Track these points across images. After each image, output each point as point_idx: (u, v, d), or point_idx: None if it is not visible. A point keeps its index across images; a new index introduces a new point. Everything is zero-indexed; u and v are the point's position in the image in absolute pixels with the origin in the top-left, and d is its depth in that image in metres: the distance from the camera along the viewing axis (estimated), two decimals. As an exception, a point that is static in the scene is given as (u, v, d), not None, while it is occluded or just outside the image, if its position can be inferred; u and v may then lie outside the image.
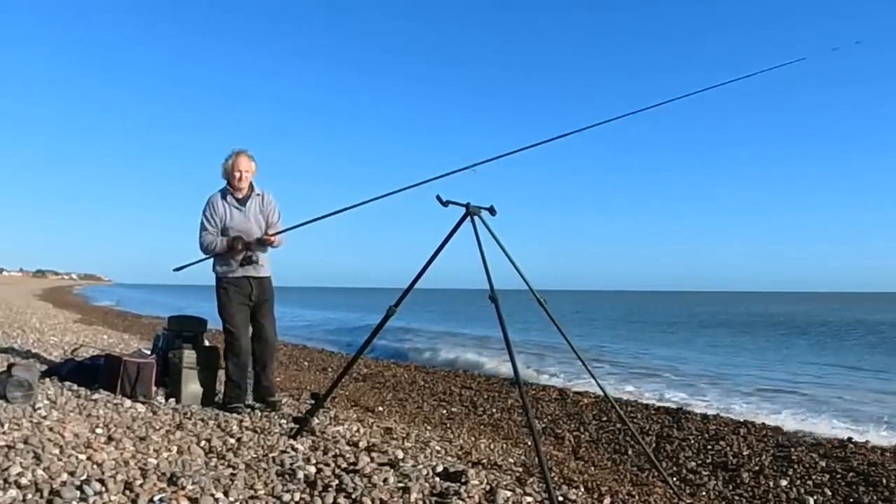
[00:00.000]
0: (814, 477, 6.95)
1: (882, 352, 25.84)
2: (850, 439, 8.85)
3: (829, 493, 6.47)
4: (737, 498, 6.28)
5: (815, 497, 6.33)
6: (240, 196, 6.67)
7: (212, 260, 6.66)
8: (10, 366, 6.20)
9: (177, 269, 6.70)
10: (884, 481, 6.76)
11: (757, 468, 7.19)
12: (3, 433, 4.58)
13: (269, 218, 6.67)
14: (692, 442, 8.36)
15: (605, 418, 9.58)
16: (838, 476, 7.00)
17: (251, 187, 6.73)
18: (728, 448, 8.00)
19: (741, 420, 10.05)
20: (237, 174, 6.60)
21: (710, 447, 8.08)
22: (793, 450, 8.04)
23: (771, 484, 6.69)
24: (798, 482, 6.78)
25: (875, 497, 6.35)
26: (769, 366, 20.50)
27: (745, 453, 7.79)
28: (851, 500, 6.33)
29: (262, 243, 6.52)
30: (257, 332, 6.73)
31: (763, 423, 9.80)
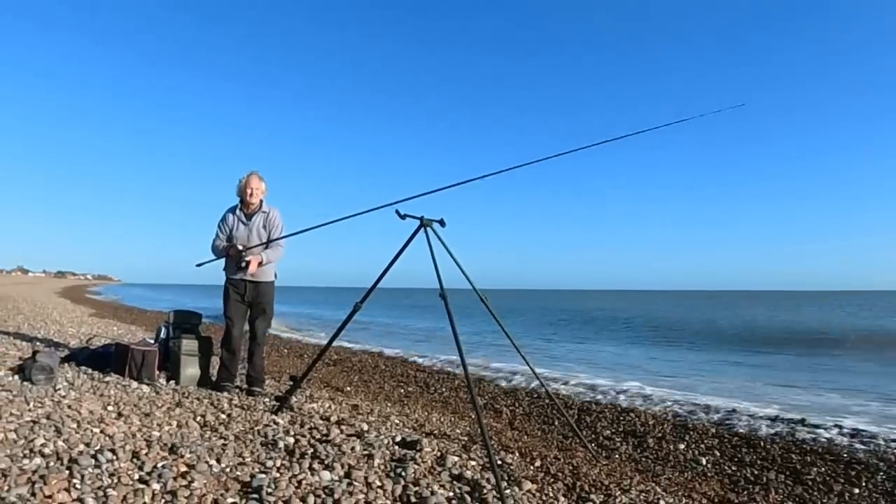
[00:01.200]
0: (706, 441, 7.10)
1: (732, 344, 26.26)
2: (734, 410, 9.04)
3: (718, 454, 6.61)
4: (644, 459, 6.38)
5: (707, 457, 6.47)
6: (248, 211, 6.67)
7: (223, 263, 6.67)
8: (34, 353, 6.14)
9: (198, 265, 6.68)
10: (761, 443, 6.94)
11: (660, 435, 7.31)
12: (29, 410, 4.53)
13: (271, 232, 6.66)
14: (607, 414, 8.47)
15: (535, 395, 9.66)
16: (726, 440, 7.16)
17: (260, 204, 6.72)
18: (637, 419, 8.12)
19: (647, 395, 10.20)
20: (249, 191, 6.61)
21: (622, 418, 8.19)
22: (689, 419, 8.20)
23: (671, 447, 6.82)
24: (693, 445, 6.92)
25: (755, 457, 6.52)
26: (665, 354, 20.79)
27: (650, 423, 7.91)
28: (736, 458, 6.48)
29: (245, 265, 6.45)
30: (250, 329, 6.74)
31: (664, 398, 9.97)
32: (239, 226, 6.63)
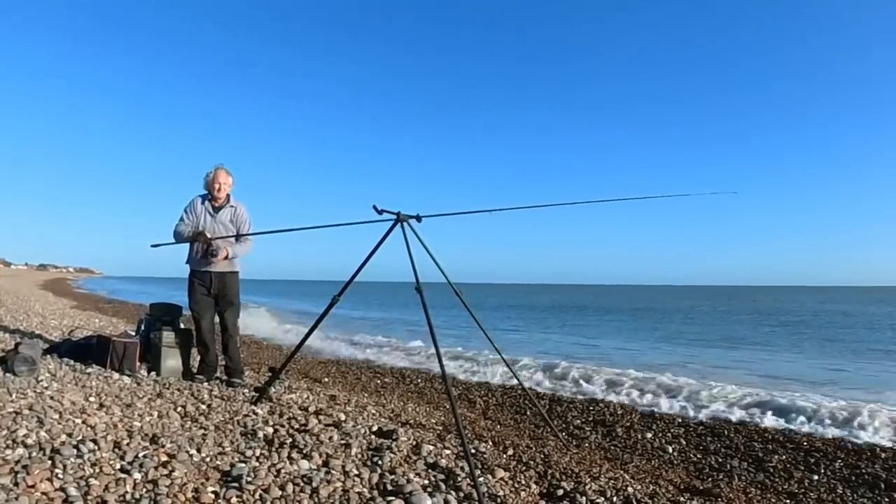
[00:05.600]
0: (672, 430, 7.20)
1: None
2: (700, 404, 9.13)
3: (684, 443, 6.71)
4: (612, 448, 6.45)
5: (673, 446, 6.55)
6: (216, 204, 6.58)
7: (186, 255, 6.60)
8: (16, 345, 6.06)
9: (154, 246, 6.54)
10: (725, 432, 7.04)
11: (628, 424, 7.39)
12: (12, 401, 4.49)
13: (239, 228, 6.58)
14: (577, 404, 8.54)
15: (508, 386, 9.71)
16: (691, 429, 7.25)
17: (227, 198, 6.64)
18: (605, 409, 8.21)
19: (618, 384, 10.27)
20: (216, 185, 6.51)
21: (591, 408, 8.27)
22: (655, 409, 8.28)
23: (639, 436, 6.90)
24: (660, 434, 7.01)
25: (719, 445, 6.61)
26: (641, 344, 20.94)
27: (618, 412, 8.00)
28: (701, 447, 6.58)
29: (214, 253, 6.40)
30: (220, 321, 6.67)
31: (631, 387, 10.05)
32: (207, 217, 6.53)
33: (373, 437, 4.75)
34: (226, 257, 6.42)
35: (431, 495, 3.54)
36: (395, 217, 4.98)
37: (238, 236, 6.52)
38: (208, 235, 6.38)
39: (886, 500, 5.12)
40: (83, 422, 4.23)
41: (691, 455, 6.27)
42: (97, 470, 3.34)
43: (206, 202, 6.58)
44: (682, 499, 4.43)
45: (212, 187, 6.53)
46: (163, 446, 3.86)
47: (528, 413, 7.86)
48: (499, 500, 3.66)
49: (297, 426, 4.81)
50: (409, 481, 3.71)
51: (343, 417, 5.34)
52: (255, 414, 5.11)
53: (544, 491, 4.06)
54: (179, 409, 5.05)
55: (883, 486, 5.37)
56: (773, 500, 4.96)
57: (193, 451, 3.86)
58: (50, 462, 3.33)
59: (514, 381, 8.81)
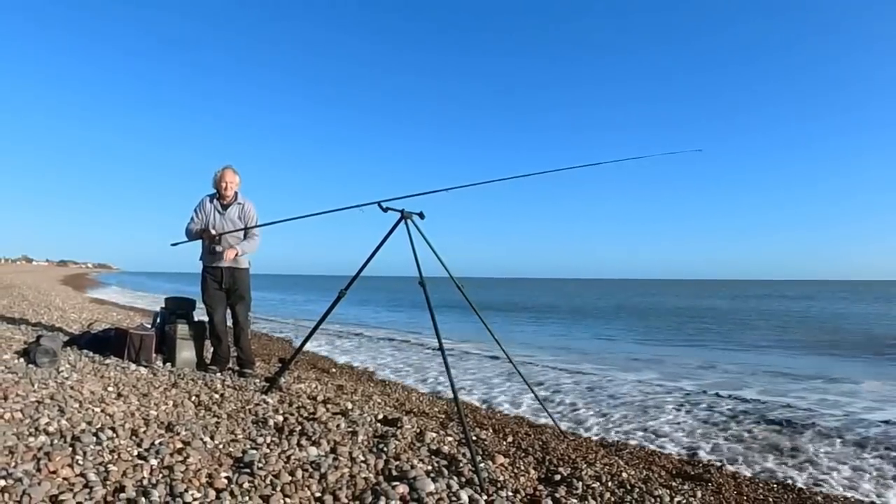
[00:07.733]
0: (665, 419, 7.19)
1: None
2: (690, 391, 9.15)
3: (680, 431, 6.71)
4: (611, 435, 6.46)
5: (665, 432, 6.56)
6: (224, 202, 6.61)
7: (200, 253, 6.62)
8: (38, 337, 6.09)
9: (173, 244, 6.60)
10: (716, 422, 7.04)
11: (623, 413, 7.39)
12: (34, 391, 4.51)
13: (247, 224, 6.60)
14: (577, 391, 8.55)
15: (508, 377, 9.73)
16: (682, 419, 7.25)
17: (235, 196, 6.66)
18: (604, 394, 8.22)
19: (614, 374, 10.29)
20: (223, 184, 6.54)
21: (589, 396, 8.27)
22: (649, 398, 8.29)
23: (633, 424, 6.90)
24: (653, 423, 7.01)
25: (710, 433, 6.61)
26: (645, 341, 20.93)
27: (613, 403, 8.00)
28: (693, 434, 6.57)
29: (216, 250, 6.44)
30: (232, 315, 6.70)
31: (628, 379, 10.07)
32: (215, 215, 6.55)
33: (378, 424, 4.76)
34: (235, 256, 6.44)
35: (434, 480, 3.56)
36: (399, 214, 5.00)
37: (244, 230, 6.55)
38: (213, 232, 6.41)
39: (876, 468, 5.14)
40: (102, 410, 4.25)
41: (683, 441, 6.28)
42: (115, 456, 3.36)
43: (215, 200, 6.60)
44: (674, 483, 4.45)
45: (219, 186, 6.55)
46: (178, 434, 3.89)
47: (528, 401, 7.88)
48: (499, 485, 3.67)
49: (305, 414, 4.83)
50: (413, 467, 3.73)
51: (350, 406, 5.36)
52: (266, 403, 5.13)
53: (542, 476, 4.08)
54: (194, 398, 5.07)
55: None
56: (761, 485, 4.98)
57: (207, 439, 3.88)
58: (71, 449, 3.35)
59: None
